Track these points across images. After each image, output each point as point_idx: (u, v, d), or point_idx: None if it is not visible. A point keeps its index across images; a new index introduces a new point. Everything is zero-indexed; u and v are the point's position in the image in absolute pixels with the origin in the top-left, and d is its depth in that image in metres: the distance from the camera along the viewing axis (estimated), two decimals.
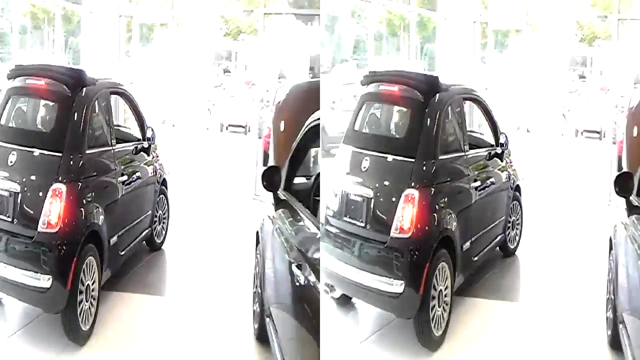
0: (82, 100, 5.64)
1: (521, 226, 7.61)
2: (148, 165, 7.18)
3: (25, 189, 5.30)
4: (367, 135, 5.85)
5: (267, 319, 5.05)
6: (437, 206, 5.35)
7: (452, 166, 5.83)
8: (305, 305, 3.90)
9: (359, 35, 14.47)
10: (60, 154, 5.39)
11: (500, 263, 7.30)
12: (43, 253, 5.13)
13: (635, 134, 6.11)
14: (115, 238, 6.04)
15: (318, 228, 4.60)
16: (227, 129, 13.17)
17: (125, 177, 6.46)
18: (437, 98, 5.61)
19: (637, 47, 10.96)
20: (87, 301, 5.44)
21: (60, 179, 5.29)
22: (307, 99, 5.83)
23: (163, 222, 7.74)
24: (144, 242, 7.36)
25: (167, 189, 7.82)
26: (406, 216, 5.06)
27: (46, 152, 5.42)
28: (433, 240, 5.23)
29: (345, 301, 6.17)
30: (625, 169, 5.90)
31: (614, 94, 14.14)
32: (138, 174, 6.84)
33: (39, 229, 5.18)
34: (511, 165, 7.36)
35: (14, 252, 5.23)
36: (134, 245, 6.83)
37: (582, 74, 18.35)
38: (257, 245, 5.71)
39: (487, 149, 6.93)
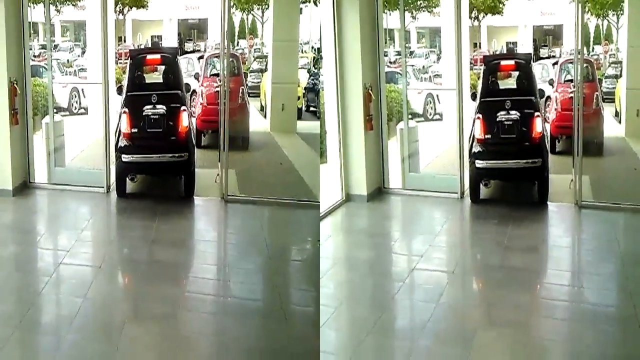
0: (179, 64, 9.23)
1: None
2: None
3: (167, 111, 8.36)
4: (499, 89, 9.07)
5: None
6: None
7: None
8: None
9: None
10: (179, 91, 8.59)
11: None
12: (181, 142, 8.32)
13: None
14: None
15: None
16: None
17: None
18: (531, 65, 9.24)
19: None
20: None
21: (183, 104, 8.52)
22: None
23: None
24: None
25: None
26: (538, 127, 8.46)
27: (172, 92, 8.59)
28: (546, 139, 8.74)
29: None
30: None
31: None
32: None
33: (178, 130, 8.37)
34: None
35: (165, 144, 8.31)
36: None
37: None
38: None
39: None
